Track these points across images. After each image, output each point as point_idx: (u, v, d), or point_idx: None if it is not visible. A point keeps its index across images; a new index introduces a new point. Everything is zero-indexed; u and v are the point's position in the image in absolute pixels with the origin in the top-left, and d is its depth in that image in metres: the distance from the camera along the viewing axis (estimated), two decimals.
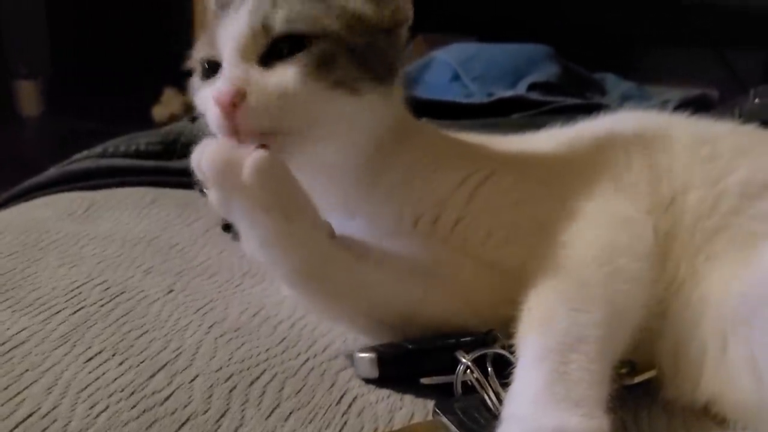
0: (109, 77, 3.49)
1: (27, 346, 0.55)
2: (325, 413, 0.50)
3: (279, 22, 0.53)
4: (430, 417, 0.50)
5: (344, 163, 0.58)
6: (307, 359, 0.57)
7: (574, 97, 1.17)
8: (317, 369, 0.56)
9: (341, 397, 0.53)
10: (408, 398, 0.53)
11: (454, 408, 0.49)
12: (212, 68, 0.56)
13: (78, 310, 0.61)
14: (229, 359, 0.56)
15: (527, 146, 0.65)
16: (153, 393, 0.50)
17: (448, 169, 0.59)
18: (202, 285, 0.69)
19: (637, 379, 0.53)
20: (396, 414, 0.51)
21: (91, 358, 0.54)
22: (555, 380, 0.45)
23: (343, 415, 0.50)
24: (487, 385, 0.50)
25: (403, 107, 0.62)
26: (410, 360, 0.54)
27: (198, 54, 0.58)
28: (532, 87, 1.24)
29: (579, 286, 0.50)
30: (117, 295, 0.65)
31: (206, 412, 0.49)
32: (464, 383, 0.52)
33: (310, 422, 0.49)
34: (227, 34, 0.54)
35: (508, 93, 1.19)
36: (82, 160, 1.04)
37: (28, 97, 3.74)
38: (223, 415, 0.49)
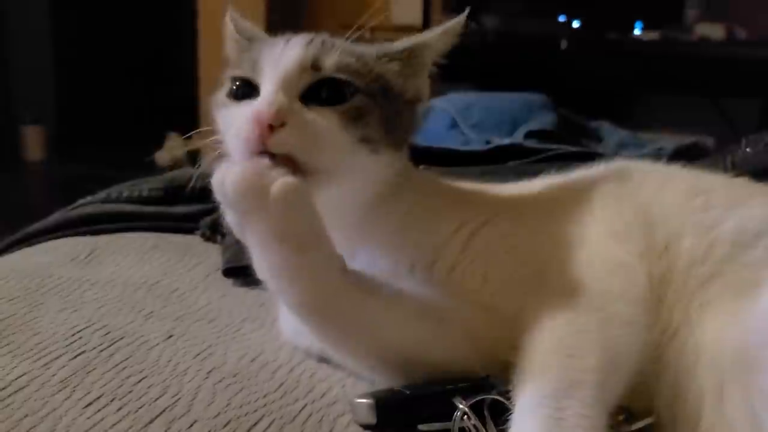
0: (112, 124, 3.54)
1: (27, 391, 0.55)
2: None
3: (329, 66, 0.56)
4: None
5: (346, 208, 0.60)
6: (305, 405, 0.57)
7: (570, 145, 1.19)
8: (315, 415, 0.56)
9: None
10: None
11: None
12: (246, 89, 0.57)
13: (78, 355, 0.62)
14: (227, 405, 0.56)
15: (522, 194, 0.66)
16: None
17: (444, 216, 0.60)
18: (202, 330, 0.69)
19: (635, 427, 0.53)
20: None
21: (90, 404, 0.54)
22: (551, 427, 0.45)
23: None
24: (485, 431, 0.50)
25: (408, 163, 0.64)
26: (408, 406, 0.54)
27: (233, 72, 0.60)
28: (529, 135, 1.26)
29: (574, 331, 0.51)
30: (117, 340, 0.65)
31: None
32: (462, 429, 0.52)
33: None
34: (273, 61, 0.56)
35: (506, 141, 1.21)
36: (85, 206, 1.06)
37: (33, 142, 3.79)
38: None
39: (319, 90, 0.56)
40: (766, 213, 0.59)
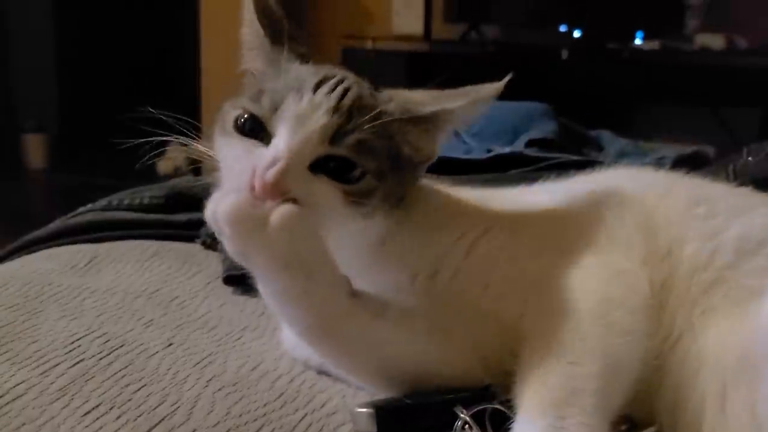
0: (115, 132, 3.54)
1: (25, 399, 0.55)
2: None
3: (348, 145, 0.53)
4: None
5: (349, 231, 0.58)
6: (305, 415, 0.57)
7: (571, 154, 1.19)
8: (315, 425, 0.55)
9: None
10: None
11: None
12: (256, 127, 0.55)
13: (77, 363, 0.61)
14: (227, 414, 0.56)
15: (521, 201, 0.66)
16: None
17: (445, 227, 0.60)
18: (202, 338, 0.69)
19: None
20: None
21: (88, 412, 0.54)
22: None
23: None
24: None
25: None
26: (408, 415, 0.54)
27: (243, 103, 0.56)
28: (530, 144, 1.26)
29: (574, 339, 0.51)
30: (116, 348, 0.65)
31: None
32: None
33: None
34: (295, 117, 0.53)
35: (507, 149, 1.21)
36: (86, 213, 1.05)
37: (35, 150, 3.79)
38: None
39: (327, 163, 0.53)
40: None
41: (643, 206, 0.61)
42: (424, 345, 0.56)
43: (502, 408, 0.51)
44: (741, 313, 0.54)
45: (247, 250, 0.50)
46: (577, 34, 3.04)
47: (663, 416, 0.54)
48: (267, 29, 0.60)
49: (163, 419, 0.54)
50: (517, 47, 3.07)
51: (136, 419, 0.54)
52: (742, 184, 0.70)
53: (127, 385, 0.58)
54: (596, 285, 0.54)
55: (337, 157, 0.53)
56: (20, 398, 0.55)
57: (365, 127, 0.54)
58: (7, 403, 0.54)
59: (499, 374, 0.54)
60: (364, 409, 0.54)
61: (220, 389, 0.59)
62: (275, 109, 0.54)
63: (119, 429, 0.52)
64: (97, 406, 0.55)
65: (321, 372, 0.63)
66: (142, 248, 0.95)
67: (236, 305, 0.78)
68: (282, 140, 0.52)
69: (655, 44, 2.91)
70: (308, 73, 0.57)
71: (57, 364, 0.61)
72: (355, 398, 0.59)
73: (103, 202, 1.08)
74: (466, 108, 0.58)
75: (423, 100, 0.59)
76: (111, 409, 0.55)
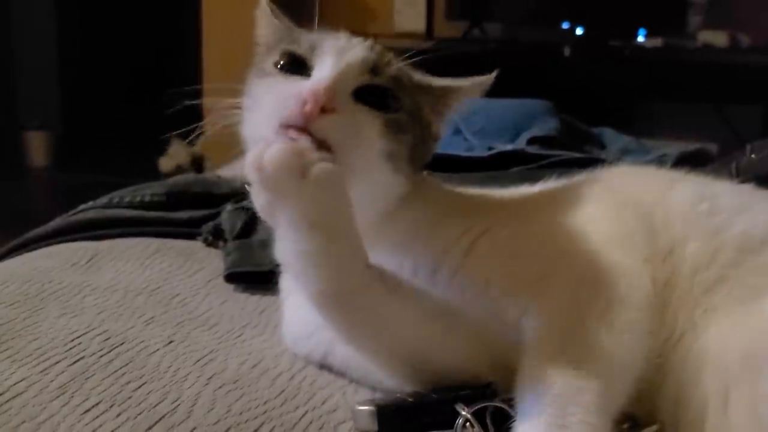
0: (117, 130, 3.54)
1: (25, 396, 0.55)
2: None
3: (388, 74, 0.57)
4: None
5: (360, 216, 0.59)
6: (306, 412, 0.57)
7: (573, 151, 1.19)
8: (316, 422, 0.55)
9: None
10: None
11: None
12: (296, 67, 0.57)
13: (77, 361, 0.61)
14: (227, 411, 0.55)
15: (524, 199, 0.65)
16: None
17: (447, 222, 0.60)
18: (203, 336, 0.69)
19: None
20: None
21: (88, 410, 0.54)
22: None
23: None
24: None
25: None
26: (409, 413, 0.54)
27: (288, 46, 0.59)
28: (532, 141, 1.26)
29: (577, 337, 0.50)
30: (117, 346, 0.65)
31: None
32: None
33: None
34: (337, 49, 0.56)
35: (508, 147, 1.20)
36: (87, 211, 1.05)
37: (38, 148, 3.80)
38: None
39: (368, 93, 0.56)
40: None
41: (645, 204, 0.61)
42: (432, 329, 0.56)
43: (504, 406, 0.51)
44: (743, 311, 0.54)
45: (279, 200, 0.50)
46: (579, 31, 3.03)
47: (665, 415, 0.54)
48: (283, 22, 0.64)
49: (163, 417, 0.54)
50: (519, 45, 3.07)
51: (136, 417, 0.53)
52: (745, 181, 0.70)
53: (128, 383, 0.58)
54: (599, 282, 0.54)
55: (378, 87, 0.57)
56: (20, 396, 0.55)
57: (401, 68, 0.59)
58: (7, 401, 0.54)
59: (501, 371, 0.54)
60: (365, 407, 0.54)
61: (220, 387, 0.59)
62: (314, 49, 0.57)
63: (119, 427, 0.52)
64: (97, 403, 0.55)
65: (322, 367, 0.63)
66: (143, 246, 0.95)
67: (237, 303, 0.78)
68: (327, 67, 0.55)
69: (657, 42, 2.91)
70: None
71: (57, 362, 0.61)
72: (356, 395, 0.59)
73: (104, 199, 1.08)
74: (470, 89, 0.63)
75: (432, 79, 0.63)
76: (111, 407, 0.55)
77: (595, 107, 2.20)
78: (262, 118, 0.54)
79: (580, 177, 0.68)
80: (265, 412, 0.56)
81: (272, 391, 0.59)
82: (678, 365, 0.54)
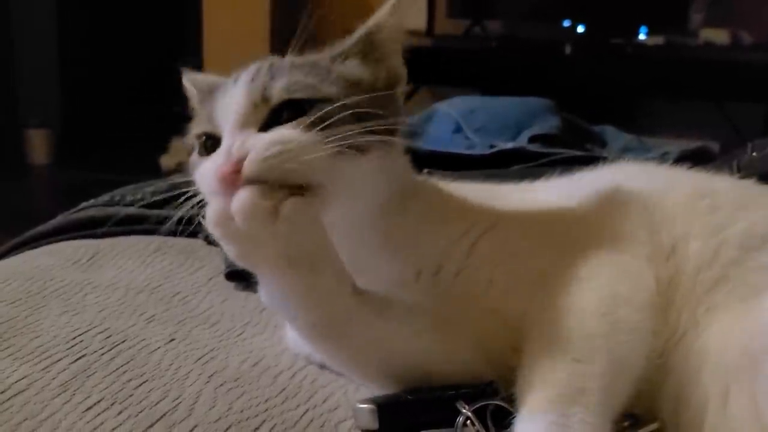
0: (118, 128, 3.54)
1: (26, 394, 0.55)
2: None
3: (277, 92, 0.54)
4: None
5: (353, 223, 0.58)
6: (307, 410, 0.57)
7: (574, 149, 1.18)
8: (317, 420, 0.55)
9: None
10: None
11: None
12: (212, 143, 0.55)
13: (79, 359, 0.61)
14: (229, 409, 0.55)
15: (525, 196, 0.65)
16: None
17: (448, 223, 0.60)
18: (204, 334, 0.69)
19: None
20: None
21: (90, 408, 0.54)
22: None
23: None
24: None
25: (408, 166, 0.63)
26: (410, 411, 0.54)
27: (196, 130, 0.58)
28: (533, 139, 1.26)
29: (580, 336, 0.50)
30: (118, 344, 0.65)
31: None
32: None
33: None
34: (226, 108, 0.54)
35: (509, 145, 1.20)
36: (88, 209, 1.05)
37: (38, 146, 3.80)
38: None
39: (279, 116, 0.53)
40: None
41: (647, 202, 0.61)
42: (427, 342, 0.56)
43: (505, 404, 0.51)
44: (744, 309, 0.53)
45: (253, 246, 0.49)
46: (580, 29, 3.03)
47: (665, 413, 0.54)
48: (201, 88, 0.63)
49: (164, 415, 0.54)
50: (521, 42, 3.07)
51: (137, 415, 0.53)
52: (746, 178, 0.69)
53: (129, 381, 0.58)
54: (602, 282, 0.54)
55: (282, 106, 0.54)
56: (22, 394, 0.55)
57: (293, 70, 0.56)
58: (9, 399, 0.54)
59: (502, 370, 0.54)
60: (366, 405, 0.54)
61: (221, 385, 0.59)
62: (213, 120, 0.56)
63: (120, 425, 0.52)
64: (99, 401, 0.55)
65: (323, 367, 0.63)
66: (144, 243, 0.95)
67: (238, 301, 0.78)
68: (224, 130, 0.54)
69: (659, 39, 2.90)
70: (232, 77, 0.58)
71: (59, 360, 0.61)
72: (357, 394, 0.59)
73: (105, 197, 1.08)
74: (389, 17, 0.59)
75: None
76: (112, 404, 0.55)
77: (596, 105, 2.20)
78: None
79: (581, 174, 0.68)
80: (266, 410, 0.56)
81: (273, 389, 0.59)
82: (679, 364, 0.54)
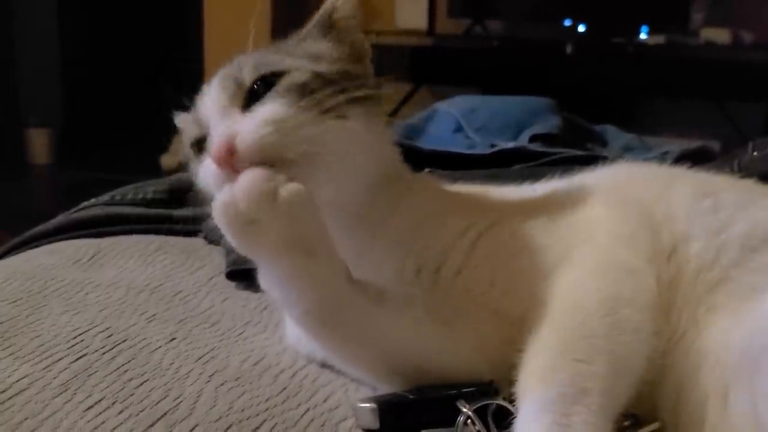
0: (119, 127, 3.54)
1: (27, 393, 0.55)
2: None
3: (247, 74, 0.57)
4: None
5: (347, 205, 0.59)
6: (308, 409, 0.57)
7: (575, 149, 1.18)
8: (318, 419, 0.55)
9: None
10: None
11: None
12: (205, 144, 0.58)
13: (79, 358, 0.61)
14: (229, 409, 0.55)
15: (527, 197, 0.65)
16: None
17: (450, 220, 0.60)
18: (205, 333, 0.69)
19: None
20: None
21: (90, 407, 0.54)
22: None
23: None
24: None
25: (397, 153, 0.64)
26: (411, 411, 0.54)
27: (187, 139, 0.62)
28: (534, 138, 1.26)
29: (582, 336, 0.50)
30: (119, 343, 0.65)
31: None
32: None
33: None
34: (208, 106, 0.58)
35: (510, 144, 1.20)
36: (89, 208, 1.05)
37: (40, 146, 3.80)
38: None
39: (256, 93, 0.57)
40: None
41: (646, 201, 0.61)
42: (425, 334, 0.56)
43: (506, 404, 0.51)
44: (744, 309, 0.53)
45: (253, 231, 0.50)
46: (581, 28, 3.03)
47: (665, 413, 0.54)
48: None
49: (165, 414, 0.54)
50: (522, 42, 3.07)
51: (138, 414, 0.53)
52: (747, 179, 0.69)
53: (130, 380, 0.58)
54: (604, 282, 0.54)
55: (255, 85, 0.57)
56: (23, 393, 0.55)
57: (260, 55, 0.60)
58: (10, 398, 0.54)
59: (503, 369, 0.54)
60: (367, 405, 0.54)
61: (222, 384, 0.59)
62: (201, 122, 0.59)
63: (121, 424, 0.52)
64: (100, 401, 0.55)
65: (324, 366, 0.63)
66: (145, 243, 0.95)
67: (239, 300, 0.78)
68: (212, 121, 0.57)
69: (660, 39, 2.90)
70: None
71: (60, 359, 0.61)
72: (358, 393, 0.59)
73: (106, 197, 1.08)
74: None
75: None
76: (113, 404, 0.55)
77: (597, 104, 2.20)
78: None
79: (582, 175, 0.68)
80: (267, 409, 0.56)
81: (274, 388, 0.59)
82: (679, 364, 0.54)
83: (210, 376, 0.60)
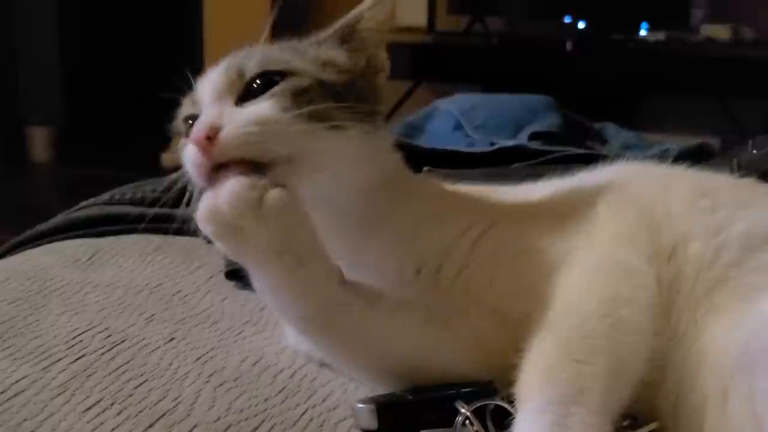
0: (119, 125, 3.54)
1: (26, 394, 0.55)
2: None
3: (252, 66, 0.56)
4: None
5: (343, 206, 0.59)
6: (307, 409, 0.57)
7: (575, 147, 1.18)
8: (316, 419, 0.55)
9: None
10: None
11: None
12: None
13: (78, 359, 0.61)
14: (228, 409, 0.55)
15: (527, 197, 0.65)
16: None
17: (449, 220, 0.60)
18: (203, 333, 0.69)
19: None
20: None
21: (89, 408, 0.54)
22: None
23: None
24: None
25: (397, 157, 0.63)
26: (409, 411, 0.54)
27: (182, 114, 0.61)
28: (534, 136, 1.25)
29: (581, 337, 0.50)
30: (118, 344, 0.65)
31: None
32: None
33: None
34: (206, 87, 0.57)
35: (510, 142, 1.20)
36: (89, 207, 1.05)
37: (40, 143, 3.80)
38: None
39: (254, 89, 0.55)
40: None
41: (647, 202, 0.61)
42: (420, 336, 0.56)
43: (504, 404, 0.51)
44: (743, 309, 0.53)
45: (242, 239, 0.50)
46: (581, 25, 3.02)
47: (665, 413, 0.54)
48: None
49: (164, 414, 0.54)
50: (522, 39, 3.06)
51: (137, 415, 0.54)
52: (747, 177, 0.69)
53: (129, 381, 0.59)
54: (604, 282, 0.54)
55: (256, 79, 0.55)
56: (22, 394, 0.55)
57: (271, 50, 0.59)
58: (9, 399, 0.54)
59: (502, 369, 0.54)
60: (366, 405, 0.54)
61: (221, 384, 0.59)
62: (196, 101, 0.59)
63: (120, 425, 0.52)
64: (98, 401, 0.55)
65: (323, 365, 0.63)
66: (144, 242, 0.95)
67: (238, 300, 0.78)
68: (205, 103, 0.56)
69: (660, 35, 2.90)
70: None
71: (58, 360, 0.61)
72: (357, 393, 0.59)
73: (105, 196, 1.07)
74: (370, 8, 0.61)
75: None
76: (112, 404, 0.55)
77: (597, 101, 2.20)
78: (194, 182, 0.56)
79: (582, 174, 0.68)
80: (266, 409, 0.56)
81: (273, 388, 0.59)
82: (678, 365, 0.54)
83: (209, 377, 0.60)
